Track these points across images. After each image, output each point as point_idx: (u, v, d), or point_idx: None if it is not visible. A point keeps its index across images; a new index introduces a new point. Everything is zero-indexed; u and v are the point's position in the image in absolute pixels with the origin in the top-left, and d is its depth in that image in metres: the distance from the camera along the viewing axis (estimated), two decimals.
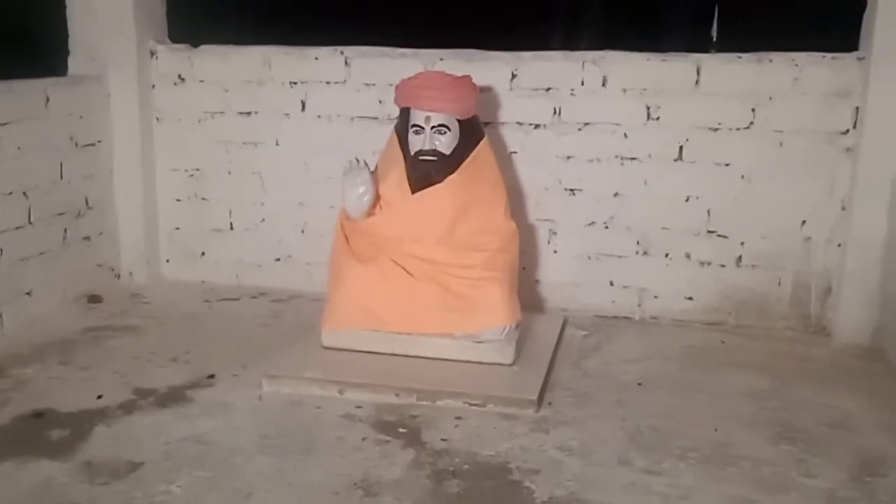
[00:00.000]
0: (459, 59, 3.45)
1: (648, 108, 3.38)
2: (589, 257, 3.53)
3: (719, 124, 3.33)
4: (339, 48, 3.62)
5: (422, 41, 3.53)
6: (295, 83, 3.68)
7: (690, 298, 3.47)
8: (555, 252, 3.57)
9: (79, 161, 3.58)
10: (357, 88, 3.61)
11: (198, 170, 3.86)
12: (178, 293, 3.77)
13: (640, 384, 2.86)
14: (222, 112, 3.77)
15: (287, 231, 3.80)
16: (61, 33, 3.69)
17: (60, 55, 3.69)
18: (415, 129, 2.95)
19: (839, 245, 3.29)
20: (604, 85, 3.41)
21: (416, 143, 2.95)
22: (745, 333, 3.35)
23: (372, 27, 3.62)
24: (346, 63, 3.62)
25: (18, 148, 3.24)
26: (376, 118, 3.58)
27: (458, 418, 2.58)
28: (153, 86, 3.80)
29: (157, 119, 3.83)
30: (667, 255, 3.47)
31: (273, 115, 3.73)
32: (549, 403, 2.69)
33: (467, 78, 3.04)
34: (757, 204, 3.35)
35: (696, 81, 3.33)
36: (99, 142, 3.69)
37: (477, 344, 2.85)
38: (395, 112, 3.11)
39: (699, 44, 3.52)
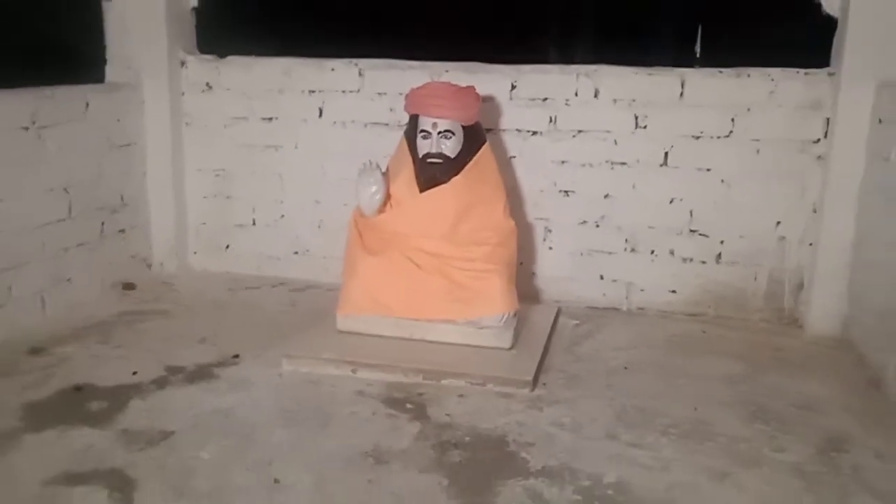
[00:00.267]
0: (463, 71, 3.47)
1: (637, 118, 3.41)
2: (581, 253, 3.56)
3: (701, 133, 3.36)
4: (354, 60, 3.65)
5: (429, 55, 3.55)
6: (313, 92, 3.71)
7: (674, 292, 3.49)
8: (550, 248, 3.59)
9: (115, 161, 3.62)
10: (370, 97, 3.64)
11: (223, 170, 3.88)
12: (204, 282, 3.80)
13: (626, 368, 2.89)
14: (246, 118, 3.80)
15: (305, 227, 3.82)
16: (99, 45, 3.72)
17: (98, 64, 3.73)
18: (423, 134, 2.99)
19: (811, 244, 3.31)
20: (596, 96, 3.43)
21: (424, 146, 2.99)
22: (723, 324, 3.37)
23: (383, 41, 3.65)
24: (359, 74, 3.65)
25: (60, 148, 3.27)
26: (387, 124, 3.60)
27: (461, 396, 2.62)
28: (183, 93, 3.82)
29: (187, 123, 3.85)
30: (652, 252, 3.49)
31: (292, 120, 3.75)
32: (544, 384, 2.73)
33: (471, 88, 3.08)
34: (735, 206, 3.37)
35: (681, 94, 3.36)
36: (133, 143, 3.72)
37: (478, 330, 2.89)
38: (405, 119, 3.14)
39: (684, 59, 3.53)
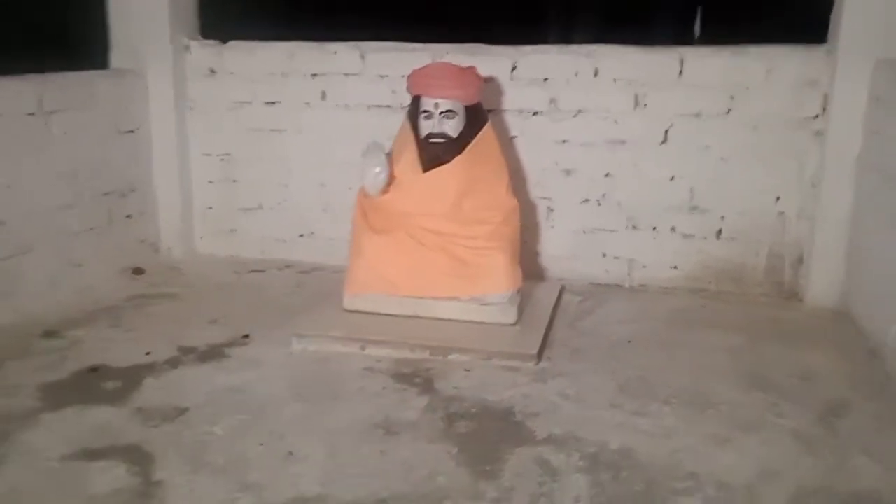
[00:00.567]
0: (465, 52, 3.48)
1: (636, 97, 3.44)
2: (584, 231, 3.59)
3: (701, 111, 3.39)
4: (356, 43, 3.67)
5: (430, 37, 3.57)
6: (316, 75, 3.73)
7: (675, 268, 3.53)
8: (552, 227, 3.63)
9: (121, 146, 3.65)
10: (372, 80, 3.66)
11: (228, 154, 3.91)
12: (211, 266, 3.84)
13: (629, 342, 2.94)
14: (250, 102, 3.82)
15: (310, 209, 3.86)
16: (102, 31, 3.74)
17: (102, 51, 3.75)
18: (425, 114, 3.01)
19: (809, 219, 3.35)
20: (596, 76, 3.46)
21: (427, 127, 3.02)
22: (724, 299, 3.42)
23: (385, 24, 3.67)
24: (361, 57, 3.67)
25: (66, 133, 3.30)
26: (390, 106, 3.62)
27: (467, 370, 2.67)
28: (187, 78, 3.84)
29: (191, 108, 3.87)
30: (654, 229, 3.53)
31: (296, 104, 3.78)
32: (548, 358, 2.78)
33: (472, 68, 3.10)
34: (735, 183, 3.41)
35: (680, 72, 3.38)
36: (139, 129, 3.74)
37: (483, 306, 2.93)
38: (407, 101, 3.16)
39: (684, 39, 3.57)
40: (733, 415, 2.38)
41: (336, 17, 3.82)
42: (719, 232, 3.48)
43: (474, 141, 3.06)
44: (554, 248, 3.64)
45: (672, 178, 3.48)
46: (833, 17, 3.23)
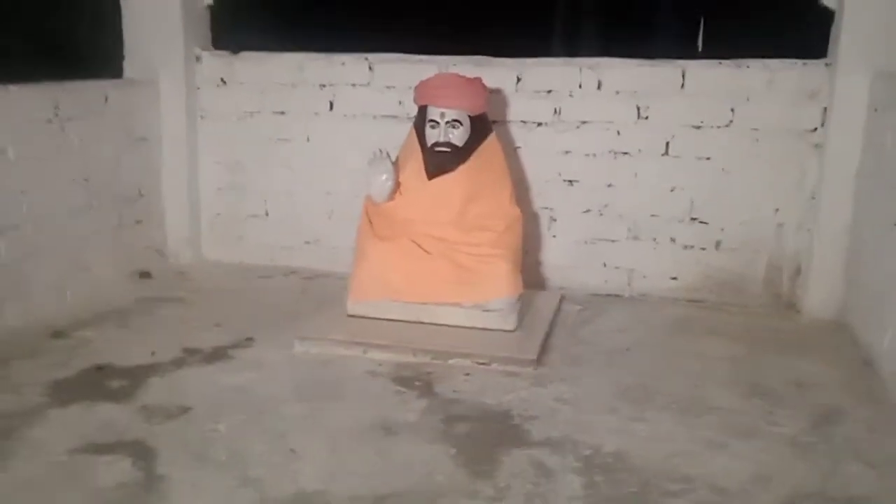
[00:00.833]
0: (470, 64, 3.54)
1: (639, 108, 3.49)
2: (585, 241, 3.63)
3: (702, 122, 3.43)
4: (364, 55, 3.73)
5: (437, 49, 3.63)
6: (324, 86, 3.80)
7: (675, 278, 3.57)
8: (554, 237, 3.67)
9: (132, 153, 3.71)
10: (379, 90, 3.72)
11: (237, 162, 3.97)
12: (218, 272, 3.89)
13: (628, 349, 2.97)
14: (259, 111, 3.89)
15: (316, 217, 3.90)
16: (117, 41, 3.82)
17: (116, 60, 3.83)
18: (431, 123, 3.06)
19: (808, 231, 3.37)
20: (599, 88, 3.51)
21: (432, 136, 3.07)
22: (723, 309, 3.44)
23: (393, 36, 3.73)
24: (369, 68, 3.73)
25: (81, 140, 3.37)
26: (396, 117, 3.68)
27: (467, 375, 2.70)
28: (198, 87, 3.91)
29: (202, 117, 3.94)
30: (654, 240, 3.57)
31: (304, 114, 3.84)
32: (547, 364, 2.81)
33: (478, 79, 3.14)
34: (735, 194, 3.45)
35: (682, 85, 3.44)
36: (150, 137, 3.81)
37: (484, 312, 2.97)
38: (413, 112, 3.21)
39: (687, 53, 3.60)
40: (729, 421, 2.40)
41: (345, 29, 3.86)
42: (719, 243, 3.51)
43: (478, 151, 3.11)
44: (555, 257, 3.68)
45: (672, 190, 3.51)
46: (833, 31, 3.28)
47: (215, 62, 3.91)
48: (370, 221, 3.15)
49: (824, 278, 3.30)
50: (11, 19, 3.26)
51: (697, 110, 3.43)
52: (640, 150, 3.52)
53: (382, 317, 3.04)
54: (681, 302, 3.53)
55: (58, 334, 3.02)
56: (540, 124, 3.59)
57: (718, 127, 3.42)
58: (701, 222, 3.51)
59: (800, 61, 3.34)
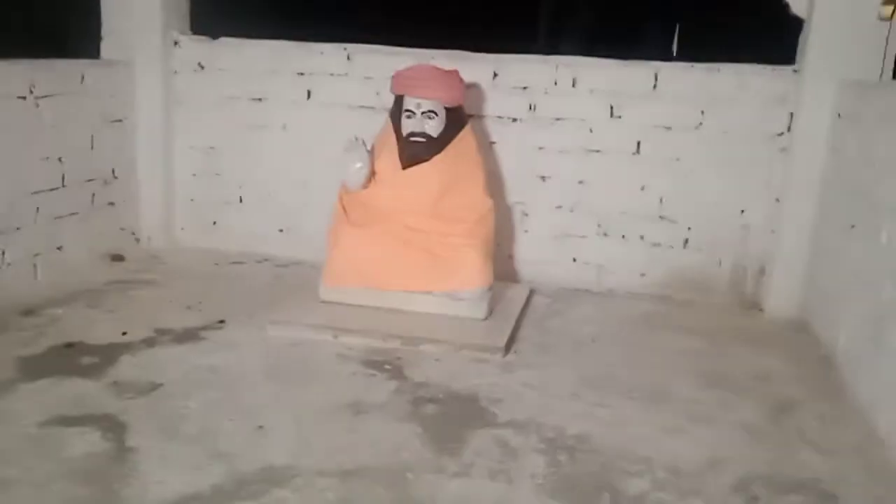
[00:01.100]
0: (448, 58, 3.57)
1: (612, 108, 3.57)
2: (556, 236, 3.71)
3: (672, 124, 3.53)
4: (343, 45, 3.77)
5: (415, 42, 3.67)
6: (302, 74, 3.83)
7: (643, 275, 3.66)
8: (526, 231, 3.74)
9: (107, 135, 3.73)
10: (357, 81, 3.76)
11: (213, 148, 3.99)
12: (191, 256, 3.90)
13: (593, 341, 3.06)
14: (237, 98, 3.91)
15: (291, 205, 3.94)
16: (95, 22, 3.83)
17: (94, 41, 3.84)
18: (407, 113, 3.14)
19: (773, 232, 3.48)
20: (574, 86, 3.59)
21: (408, 126, 3.14)
22: (688, 306, 3.53)
23: (372, 28, 3.79)
24: (348, 58, 3.77)
25: (55, 118, 3.37)
26: (373, 108, 3.71)
27: (437, 360, 2.77)
28: (175, 72, 3.93)
29: (179, 102, 3.96)
30: (623, 237, 3.65)
31: (282, 102, 3.87)
32: (515, 352, 2.89)
33: (455, 71, 3.23)
34: (703, 194, 3.54)
35: (654, 86, 3.52)
36: (126, 119, 3.83)
37: (455, 301, 3.05)
38: (391, 102, 3.27)
39: (662, 56, 3.69)
40: (689, 409, 2.50)
41: (324, 18, 3.92)
42: (686, 241, 3.61)
43: (453, 142, 3.19)
44: (527, 251, 3.76)
45: (643, 188, 3.61)
46: (801, 38, 3.39)
47: (194, 47, 3.92)
48: (344, 208, 3.21)
49: (787, 278, 3.41)
50: None
51: (669, 111, 3.52)
52: (612, 149, 3.60)
53: (355, 303, 3.09)
54: (648, 297, 3.61)
55: (28, 312, 3.04)
56: (515, 120, 3.66)
57: (688, 128, 3.52)
58: (669, 221, 3.61)
59: (769, 67, 3.44)
